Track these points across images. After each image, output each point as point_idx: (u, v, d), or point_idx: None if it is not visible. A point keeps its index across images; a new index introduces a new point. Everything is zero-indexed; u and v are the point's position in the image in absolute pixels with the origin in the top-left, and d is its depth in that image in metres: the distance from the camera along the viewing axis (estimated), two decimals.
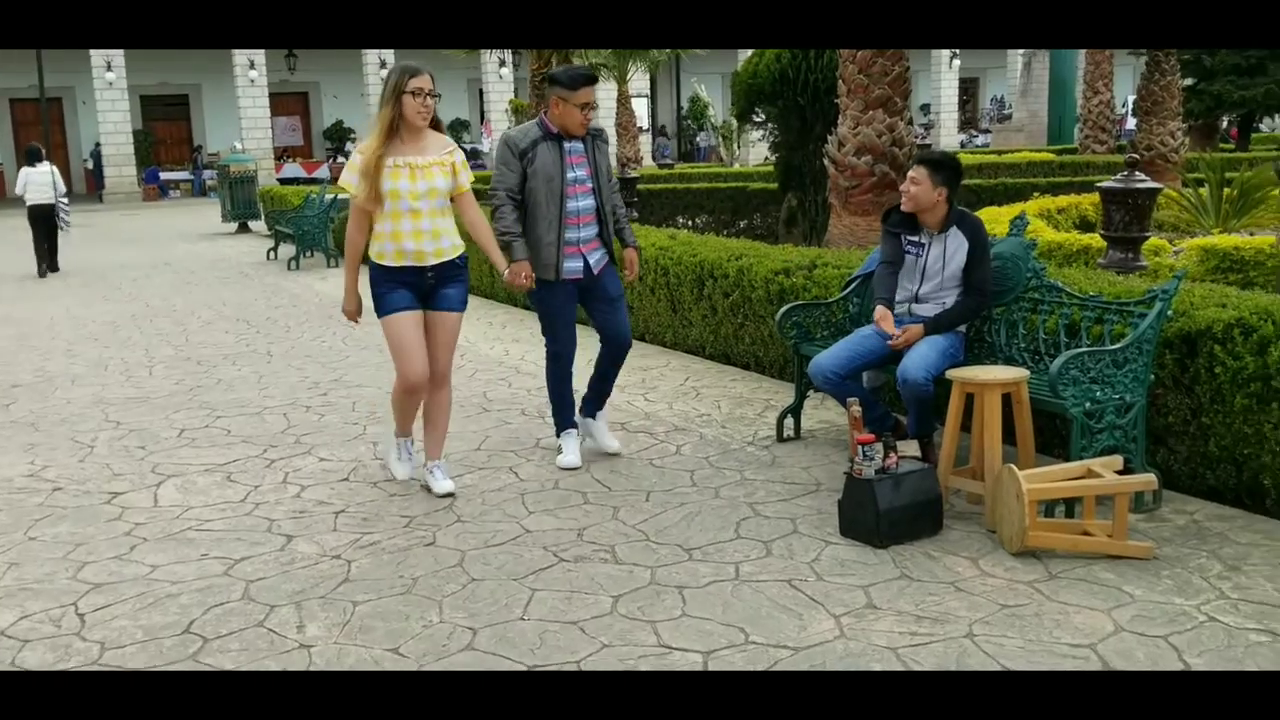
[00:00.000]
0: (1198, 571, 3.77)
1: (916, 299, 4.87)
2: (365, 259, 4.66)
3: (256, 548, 4.28)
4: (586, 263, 5.00)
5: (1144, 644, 3.27)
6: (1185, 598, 3.57)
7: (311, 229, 14.54)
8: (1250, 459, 4.24)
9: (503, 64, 33.09)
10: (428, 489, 4.84)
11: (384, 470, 5.21)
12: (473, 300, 4.75)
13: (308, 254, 14.59)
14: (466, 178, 4.70)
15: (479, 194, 5.03)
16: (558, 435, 5.27)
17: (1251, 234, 9.77)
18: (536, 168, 4.85)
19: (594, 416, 5.32)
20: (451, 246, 4.64)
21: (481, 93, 35.50)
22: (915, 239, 4.88)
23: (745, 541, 4.18)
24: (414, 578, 3.94)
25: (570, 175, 4.90)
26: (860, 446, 4.12)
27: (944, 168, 4.79)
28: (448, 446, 5.08)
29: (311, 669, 3.29)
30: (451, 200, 4.69)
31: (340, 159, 34.11)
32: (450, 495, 4.75)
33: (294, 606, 3.73)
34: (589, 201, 4.97)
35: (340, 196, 15.56)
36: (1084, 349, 4.28)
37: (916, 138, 10.11)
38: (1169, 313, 4.37)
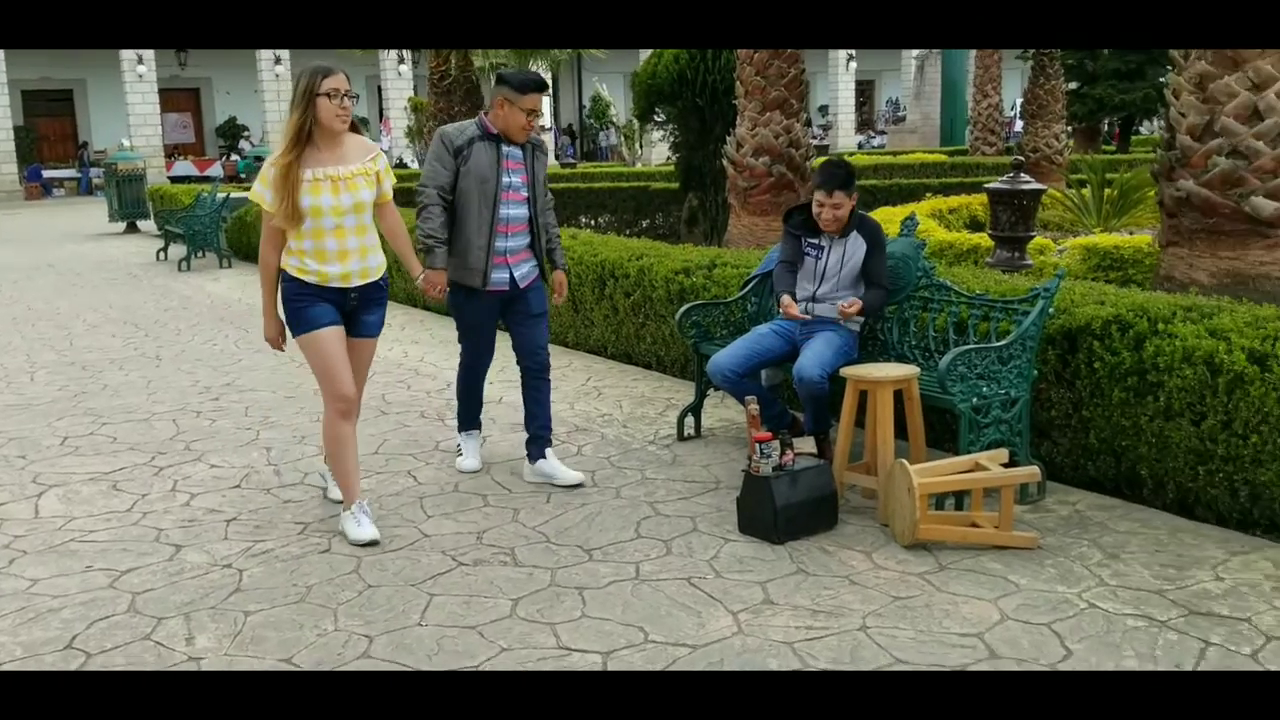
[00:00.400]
0: (1079, 560, 3.91)
1: (814, 299, 4.94)
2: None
3: (144, 558, 4.16)
4: (512, 275, 4.80)
5: (1028, 631, 3.38)
6: (1067, 585, 3.70)
7: (203, 229, 14.18)
8: (1128, 450, 4.41)
9: (402, 61, 32.69)
10: (324, 494, 4.75)
11: (278, 476, 5.11)
12: None
13: (199, 254, 14.21)
14: (389, 184, 4.39)
15: (406, 192, 4.76)
16: (459, 433, 5.20)
17: (1131, 233, 10.17)
18: (470, 167, 4.66)
19: (544, 456, 4.90)
20: (378, 266, 4.28)
21: (380, 90, 35.01)
22: (816, 241, 4.95)
23: (645, 541, 4.20)
24: (308, 586, 3.86)
25: (505, 180, 4.70)
26: (758, 444, 4.17)
27: (850, 179, 4.86)
28: None
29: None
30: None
31: (234, 156, 33.28)
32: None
33: (183, 618, 3.63)
34: (521, 210, 4.78)
35: (234, 195, 15.20)
36: (971, 346, 4.41)
37: (814, 139, 10.29)
38: (1051, 310, 4.53)
